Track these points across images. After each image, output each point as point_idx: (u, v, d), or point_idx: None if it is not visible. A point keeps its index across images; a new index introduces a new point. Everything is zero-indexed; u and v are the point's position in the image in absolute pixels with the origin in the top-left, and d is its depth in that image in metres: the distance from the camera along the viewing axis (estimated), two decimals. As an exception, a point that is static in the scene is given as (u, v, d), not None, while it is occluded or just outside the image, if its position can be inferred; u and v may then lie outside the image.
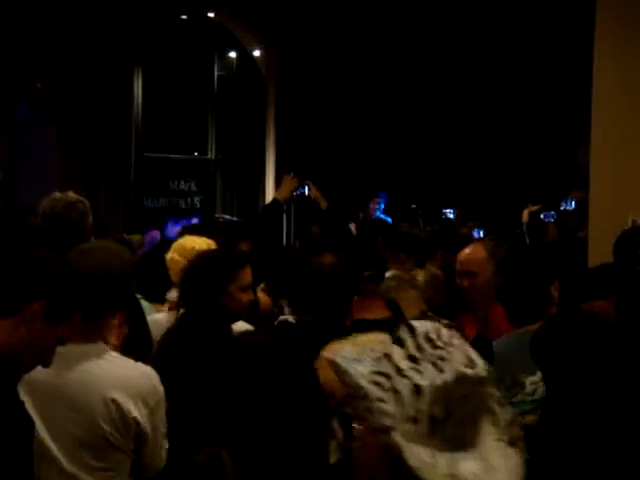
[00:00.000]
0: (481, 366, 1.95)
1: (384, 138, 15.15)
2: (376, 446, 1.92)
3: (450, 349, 1.95)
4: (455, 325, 4.00)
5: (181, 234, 5.92)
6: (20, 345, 2.55)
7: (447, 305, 5.35)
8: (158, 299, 5.14)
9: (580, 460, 2.75)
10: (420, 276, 5.62)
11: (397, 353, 1.96)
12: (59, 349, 2.72)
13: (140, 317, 4.21)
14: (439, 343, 1.96)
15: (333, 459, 3.17)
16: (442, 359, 1.93)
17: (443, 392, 1.89)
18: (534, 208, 9.47)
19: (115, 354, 3.31)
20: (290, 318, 4.40)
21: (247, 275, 4.19)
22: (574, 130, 11.87)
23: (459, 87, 14.43)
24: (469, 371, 1.92)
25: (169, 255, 5.00)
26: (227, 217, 14.43)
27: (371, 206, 13.38)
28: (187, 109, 16.97)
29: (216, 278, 4.09)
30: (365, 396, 1.92)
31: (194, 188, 17.14)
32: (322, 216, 6.88)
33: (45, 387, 3.14)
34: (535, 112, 13.96)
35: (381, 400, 1.90)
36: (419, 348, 1.95)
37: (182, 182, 17.04)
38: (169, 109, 16.72)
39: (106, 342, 3.34)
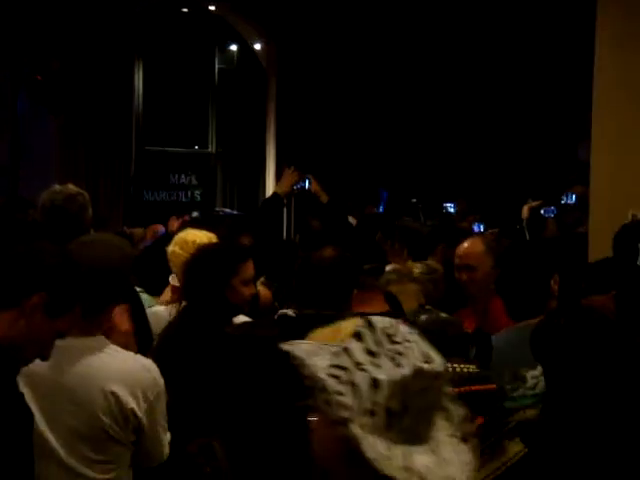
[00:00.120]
0: (438, 361, 1.99)
1: (385, 132, 15.14)
2: (333, 438, 1.95)
3: (408, 344, 1.99)
4: (456, 318, 4.01)
5: (182, 227, 5.92)
6: (19, 338, 2.55)
7: (446, 299, 5.36)
8: (159, 292, 5.14)
9: (580, 454, 2.75)
10: (417, 269, 5.62)
11: (356, 347, 1.99)
12: (59, 342, 2.72)
13: (140, 311, 4.21)
14: (397, 338, 1.99)
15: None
16: (400, 354, 1.96)
17: (401, 386, 1.92)
18: (534, 204, 9.48)
19: (115, 347, 3.31)
20: (290, 312, 4.41)
21: (249, 269, 4.20)
22: (575, 126, 11.88)
23: (460, 82, 14.42)
24: (426, 366, 1.96)
25: (170, 248, 5.00)
26: (227, 210, 14.43)
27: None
28: (188, 102, 16.97)
29: (219, 271, 4.09)
30: (323, 388, 1.94)
31: (194, 181, 17.15)
32: (322, 210, 6.88)
33: (44, 380, 3.14)
34: (536, 107, 13.95)
35: (339, 393, 1.92)
36: (377, 343, 1.98)
37: (182, 175, 17.04)
38: (170, 102, 16.72)
39: (107, 335, 3.34)
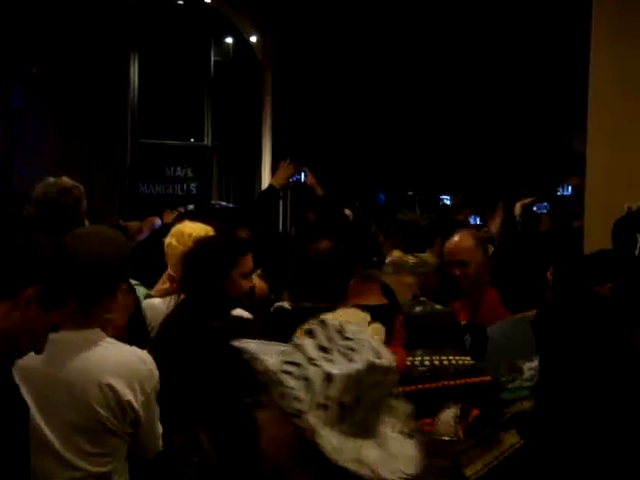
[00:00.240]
0: (388, 357, 2.06)
1: (381, 125, 15.13)
2: (285, 434, 2.00)
3: (359, 341, 2.05)
4: (450, 310, 4.01)
5: (179, 220, 5.91)
6: (14, 330, 2.54)
7: (439, 291, 5.37)
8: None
9: (576, 445, 2.76)
10: (410, 261, 5.63)
11: (308, 344, 2.05)
12: (54, 335, 2.71)
13: (135, 304, 4.20)
14: (349, 335, 2.05)
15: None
16: (352, 350, 2.02)
17: (354, 380, 1.99)
18: (526, 201, 9.48)
19: (111, 340, 3.30)
20: (286, 304, 4.41)
21: (248, 262, 4.19)
22: (570, 118, 11.88)
23: (456, 76, 14.42)
24: (378, 361, 2.02)
25: (167, 240, 5.00)
26: (223, 203, 14.44)
27: None
28: (183, 95, 16.96)
29: (219, 263, 4.08)
30: (278, 382, 2.00)
31: (190, 174, 17.14)
32: (318, 203, 6.87)
33: (40, 373, 3.14)
34: (531, 100, 13.95)
35: (292, 388, 1.98)
36: (329, 339, 2.05)
37: (178, 168, 17.03)
38: (165, 95, 16.71)
39: (103, 327, 3.34)
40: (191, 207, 13.23)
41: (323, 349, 2.04)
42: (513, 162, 13.98)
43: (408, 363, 3.53)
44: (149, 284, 5.08)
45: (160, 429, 3.38)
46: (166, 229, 5.52)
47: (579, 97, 6.98)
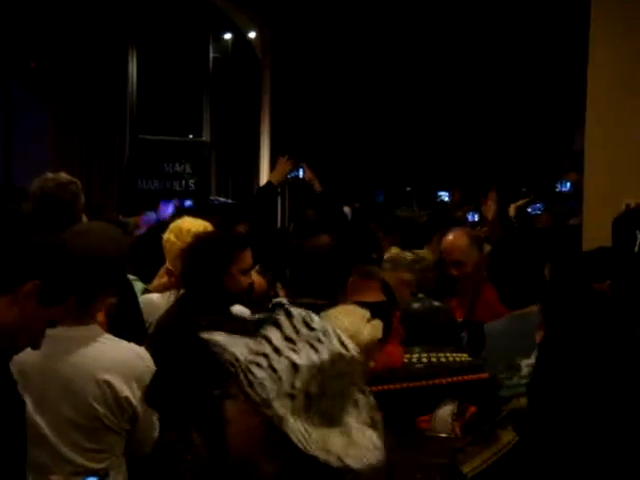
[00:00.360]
0: (353, 348, 2.11)
1: (379, 121, 15.13)
2: (252, 425, 2.04)
3: (325, 332, 2.10)
4: (448, 306, 4.01)
5: (177, 215, 5.91)
6: (12, 325, 2.54)
7: (437, 288, 5.38)
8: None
9: (572, 442, 2.76)
10: (409, 258, 5.64)
11: (275, 335, 2.09)
12: (52, 331, 2.71)
13: (132, 300, 4.21)
14: (315, 325, 2.11)
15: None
16: (318, 340, 2.07)
17: (319, 370, 2.03)
18: (520, 202, 9.48)
19: (108, 336, 3.31)
20: (284, 300, 4.41)
21: (248, 257, 4.19)
22: (570, 115, 11.89)
23: (456, 72, 14.41)
24: (343, 351, 2.07)
25: (165, 236, 5.00)
26: (222, 199, 14.43)
27: None
28: (182, 91, 16.95)
29: (218, 259, 4.08)
30: (246, 371, 2.03)
31: (189, 170, 17.13)
32: (316, 199, 6.87)
33: (37, 369, 3.14)
34: (531, 97, 13.95)
35: (260, 378, 2.02)
36: (296, 331, 2.09)
37: (177, 164, 17.02)
38: (164, 91, 16.70)
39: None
40: (189, 204, 13.25)
41: (289, 340, 2.08)
42: (512, 159, 13.98)
43: (405, 360, 3.53)
44: (147, 279, 5.08)
45: (157, 425, 3.38)
46: (163, 225, 5.51)
47: (579, 94, 6.99)
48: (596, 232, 5.75)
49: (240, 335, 2.17)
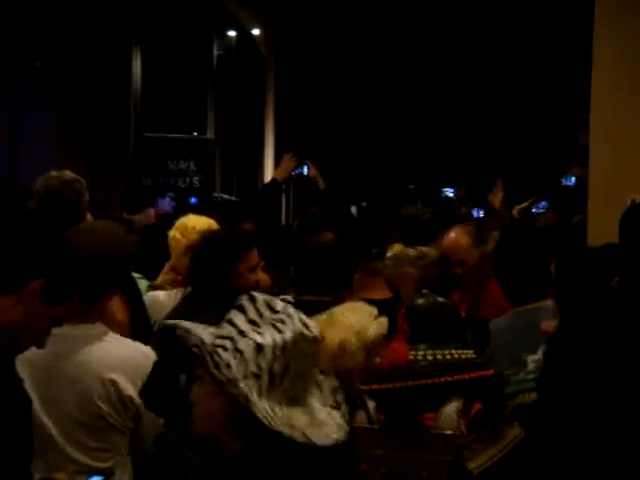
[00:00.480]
0: (315, 328, 2.19)
1: (383, 118, 15.12)
2: (219, 405, 2.11)
3: (288, 313, 2.20)
4: (452, 302, 4.00)
5: (182, 213, 5.91)
6: (17, 324, 2.54)
7: (441, 284, 5.38)
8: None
9: (578, 437, 2.76)
10: (412, 254, 5.64)
11: (239, 318, 2.17)
12: (56, 330, 2.71)
13: (137, 298, 4.20)
14: (278, 308, 2.20)
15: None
16: (282, 322, 2.16)
17: (283, 350, 2.11)
18: (525, 204, 9.48)
19: (113, 335, 3.30)
20: (289, 298, 4.40)
21: (254, 255, 4.19)
22: (574, 114, 11.87)
23: (460, 69, 14.40)
24: (306, 331, 2.16)
25: (171, 233, 5.00)
26: (226, 196, 14.44)
27: None
28: (186, 88, 16.95)
29: (226, 257, 4.08)
30: (212, 352, 2.11)
31: (193, 167, 17.14)
32: (321, 196, 6.87)
33: (43, 367, 3.14)
34: (535, 95, 13.94)
35: (226, 358, 2.10)
36: (259, 313, 2.18)
37: (181, 161, 17.04)
38: (168, 88, 16.70)
39: (106, 322, 3.34)
40: (193, 200, 13.26)
41: (253, 323, 2.16)
42: (517, 155, 13.97)
43: (411, 357, 3.53)
44: (152, 276, 5.08)
45: (160, 424, 3.38)
46: (165, 220, 5.51)
47: (583, 93, 6.98)
48: (601, 229, 5.74)
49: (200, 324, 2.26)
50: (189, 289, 4.20)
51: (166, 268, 5.05)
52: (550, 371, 2.86)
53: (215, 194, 15.78)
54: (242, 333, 2.14)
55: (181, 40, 16.56)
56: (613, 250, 4.00)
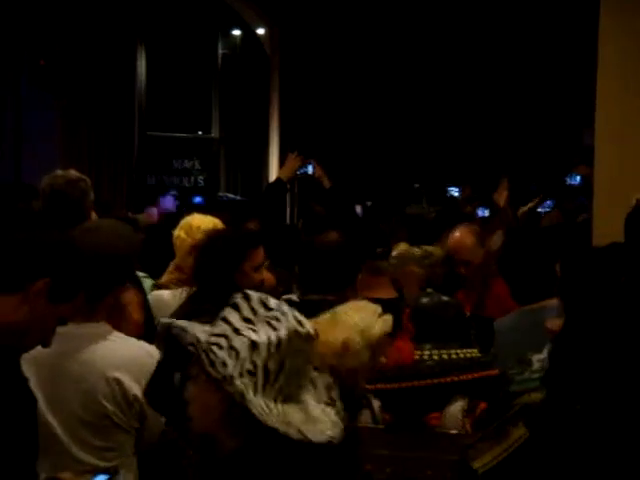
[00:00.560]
0: (309, 325, 2.23)
1: (387, 117, 15.12)
2: (214, 402, 2.14)
3: (282, 311, 2.22)
4: (457, 301, 4.00)
5: (186, 212, 5.92)
6: (22, 323, 2.54)
7: (446, 283, 5.39)
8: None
9: (583, 437, 2.75)
10: (417, 253, 5.64)
11: (233, 316, 2.21)
12: (62, 329, 2.71)
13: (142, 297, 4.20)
14: (272, 306, 2.23)
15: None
16: (276, 319, 2.19)
17: (277, 347, 2.14)
18: (531, 204, 9.47)
19: (118, 334, 3.31)
20: (294, 297, 4.39)
21: (260, 255, 4.19)
22: (580, 114, 11.86)
23: (466, 68, 14.39)
24: (300, 328, 2.19)
25: (175, 232, 5.01)
26: (231, 196, 14.44)
27: None
28: (191, 88, 16.95)
29: (231, 256, 4.08)
30: (208, 350, 2.14)
31: (198, 166, 17.15)
32: (325, 195, 6.87)
33: (48, 366, 3.15)
34: (541, 94, 13.93)
35: (221, 356, 2.13)
36: (253, 311, 2.21)
37: (186, 160, 17.04)
38: (173, 88, 16.70)
39: (122, 321, 3.34)
40: (199, 200, 13.25)
41: (248, 320, 2.19)
42: (522, 154, 13.96)
43: (416, 357, 3.53)
44: (156, 274, 5.09)
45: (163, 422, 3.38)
46: (169, 219, 5.50)
47: (588, 93, 6.98)
48: (606, 228, 5.73)
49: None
50: (194, 288, 4.20)
51: (171, 267, 5.06)
52: (555, 370, 2.86)
53: (220, 193, 15.79)
54: (237, 331, 2.16)
55: (186, 39, 16.56)
56: (618, 249, 3.99)
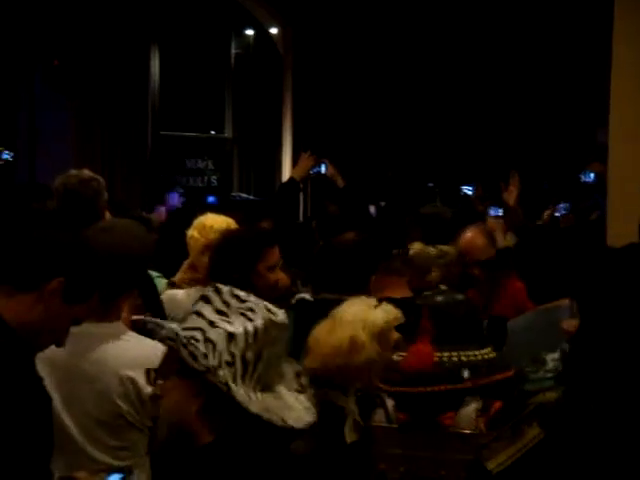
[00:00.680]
0: (282, 314, 2.30)
1: (401, 116, 15.10)
2: (191, 395, 2.20)
3: (254, 302, 2.28)
4: (470, 300, 3.99)
5: (200, 212, 5.92)
6: (37, 323, 2.55)
7: (461, 282, 5.38)
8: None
9: (599, 437, 2.75)
10: (433, 253, 5.64)
11: (205, 309, 2.26)
12: (76, 329, 2.71)
13: (154, 297, 4.21)
14: (243, 297, 2.28)
15: (349, 439, 3.18)
16: (251, 310, 2.24)
17: (254, 337, 2.20)
18: (550, 210, 9.45)
19: (132, 333, 3.31)
20: (308, 296, 4.40)
21: (275, 254, 4.19)
22: (594, 113, 11.83)
23: (480, 68, 14.37)
24: (274, 317, 2.26)
25: (189, 232, 5.01)
26: (244, 195, 14.45)
27: None
28: (204, 87, 16.96)
29: (246, 256, 4.07)
30: (187, 344, 2.19)
31: (211, 166, 17.16)
32: (339, 195, 6.86)
33: (62, 366, 3.15)
34: (555, 93, 13.90)
35: (201, 349, 2.18)
36: (226, 304, 2.26)
37: (199, 160, 17.06)
38: (186, 87, 16.71)
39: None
40: (212, 199, 13.26)
41: (221, 313, 2.24)
42: (535, 153, 13.93)
43: (436, 359, 3.50)
44: (170, 273, 5.09)
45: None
46: (177, 217, 5.50)
47: (602, 93, 6.96)
48: (620, 228, 5.72)
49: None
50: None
51: (184, 266, 5.06)
52: (571, 371, 2.85)
53: (233, 193, 15.79)
54: (212, 323, 2.21)
55: (199, 39, 16.57)
56: (636, 250, 3.98)
